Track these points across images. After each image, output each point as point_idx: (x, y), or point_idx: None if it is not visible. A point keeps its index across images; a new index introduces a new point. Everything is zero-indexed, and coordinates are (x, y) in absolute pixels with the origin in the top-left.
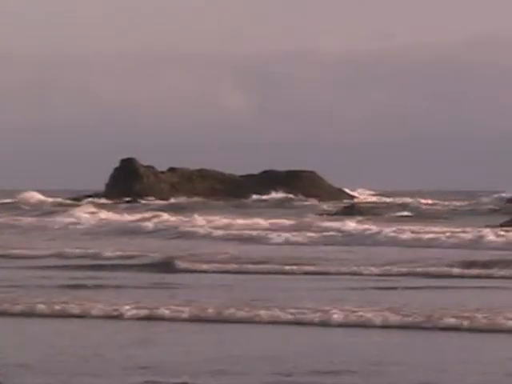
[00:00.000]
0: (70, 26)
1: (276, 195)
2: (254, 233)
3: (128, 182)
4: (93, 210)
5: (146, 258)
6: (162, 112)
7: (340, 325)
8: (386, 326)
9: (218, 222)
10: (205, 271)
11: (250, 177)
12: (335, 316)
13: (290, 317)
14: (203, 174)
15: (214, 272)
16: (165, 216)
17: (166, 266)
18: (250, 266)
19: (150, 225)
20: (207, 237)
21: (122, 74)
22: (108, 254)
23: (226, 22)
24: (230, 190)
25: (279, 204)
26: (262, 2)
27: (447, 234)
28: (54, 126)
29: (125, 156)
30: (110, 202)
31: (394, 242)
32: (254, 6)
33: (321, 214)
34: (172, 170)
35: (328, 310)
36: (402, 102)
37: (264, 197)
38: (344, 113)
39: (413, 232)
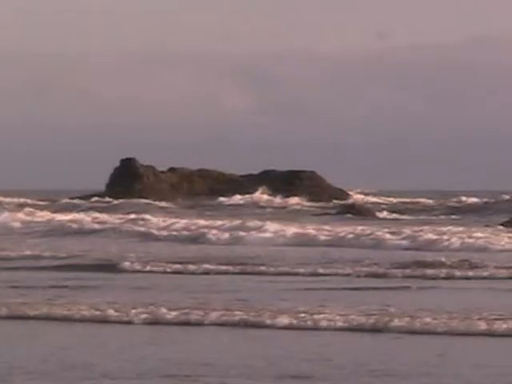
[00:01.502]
0: (69, 25)
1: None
2: (196, 233)
3: (128, 182)
4: (29, 209)
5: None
6: (162, 112)
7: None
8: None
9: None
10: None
11: (250, 177)
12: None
13: (237, 319)
14: (203, 174)
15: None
16: (100, 216)
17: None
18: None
19: (76, 225)
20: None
21: (122, 74)
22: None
23: (227, 22)
24: (230, 190)
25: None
26: (261, 1)
27: (410, 235)
28: (54, 125)
29: (125, 156)
30: (83, 202)
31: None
32: (254, 6)
33: (320, 215)
34: (172, 169)
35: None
36: (401, 102)
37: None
38: (344, 113)
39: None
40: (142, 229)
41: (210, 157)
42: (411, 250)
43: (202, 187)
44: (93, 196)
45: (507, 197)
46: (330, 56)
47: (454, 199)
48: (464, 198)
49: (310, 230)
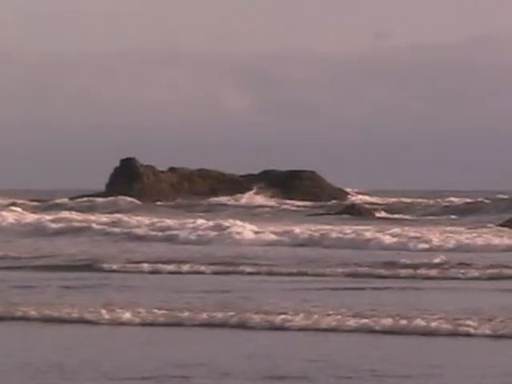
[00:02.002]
0: (69, 25)
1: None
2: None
3: (128, 182)
4: (14, 209)
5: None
6: (162, 112)
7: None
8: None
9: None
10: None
11: (250, 177)
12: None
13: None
14: (203, 174)
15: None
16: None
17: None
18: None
19: (55, 225)
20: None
21: (122, 74)
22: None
23: (227, 22)
24: (230, 189)
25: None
26: (261, 1)
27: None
28: (54, 125)
29: (125, 156)
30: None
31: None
32: (254, 6)
33: (319, 215)
34: (172, 169)
35: (270, 312)
36: (401, 101)
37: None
38: (344, 113)
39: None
40: (117, 228)
41: (210, 157)
42: (400, 250)
43: (202, 187)
44: (92, 196)
45: (505, 196)
46: (330, 56)
47: (454, 199)
48: (464, 198)
49: (290, 229)
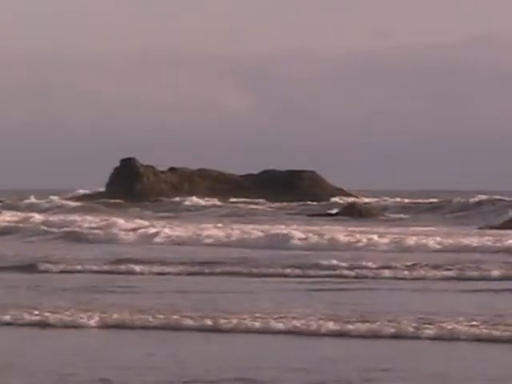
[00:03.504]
0: (69, 25)
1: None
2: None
3: (128, 182)
4: None
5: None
6: (162, 112)
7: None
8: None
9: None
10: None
11: (250, 177)
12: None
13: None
14: (203, 174)
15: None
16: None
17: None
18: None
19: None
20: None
21: (122, 73)
22: None
23: (226, 22)
24: (230, 189)
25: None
26: (261, 1)
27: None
28: (54, 125)
29: (125, 156)
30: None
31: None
32: (254, 6)
33: (320, 215)
34: (172, 169)
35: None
36: (401, 102)
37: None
38: (344, 113)
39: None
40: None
41: (210, 157)
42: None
43: (203, 187)
44: (92, 196)
45: (507, 198)
46: (330, 56)
47: (456, 199)
48: (463, 199)
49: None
